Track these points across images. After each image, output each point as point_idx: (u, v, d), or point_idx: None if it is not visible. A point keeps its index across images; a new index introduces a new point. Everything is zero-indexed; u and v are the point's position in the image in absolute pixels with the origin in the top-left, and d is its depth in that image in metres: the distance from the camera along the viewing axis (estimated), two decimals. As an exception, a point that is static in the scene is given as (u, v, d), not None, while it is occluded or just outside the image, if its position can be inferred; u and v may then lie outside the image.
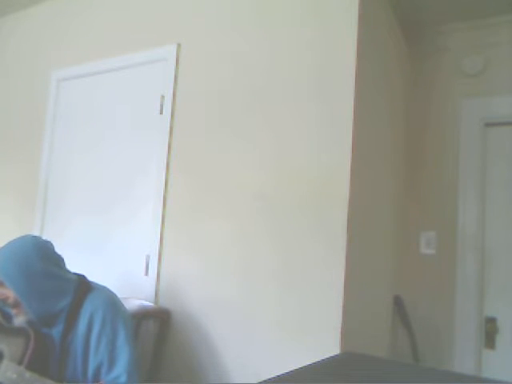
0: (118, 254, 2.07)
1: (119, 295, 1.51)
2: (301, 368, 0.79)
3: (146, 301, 1.86)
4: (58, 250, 1.52)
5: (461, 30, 2.29)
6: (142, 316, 1.78)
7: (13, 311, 1.37)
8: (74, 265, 1.56)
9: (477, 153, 2.20)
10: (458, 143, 2.24)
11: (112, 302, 1.43)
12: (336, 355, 1.02)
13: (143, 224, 2.00)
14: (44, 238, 1.53)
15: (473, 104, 2.24)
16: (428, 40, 2.38)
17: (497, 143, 2.20)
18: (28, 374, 1.19)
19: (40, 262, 1.37)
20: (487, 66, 2.22)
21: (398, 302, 2.21)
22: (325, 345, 1.47)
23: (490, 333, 2.09)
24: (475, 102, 2.23)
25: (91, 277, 1.54)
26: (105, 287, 1.49)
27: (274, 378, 0.73)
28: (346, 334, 1.48)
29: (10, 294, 1.34)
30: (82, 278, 1.47)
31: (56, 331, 1.36)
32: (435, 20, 2.28)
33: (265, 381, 0.70)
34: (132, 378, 1.31)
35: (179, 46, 2.03)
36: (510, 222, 2.12)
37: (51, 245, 1.48)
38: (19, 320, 1.36)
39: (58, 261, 1.45)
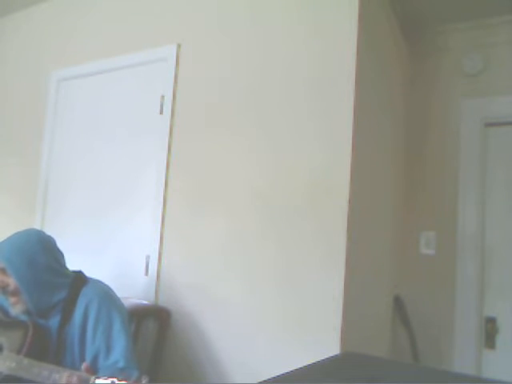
0: (118, 254, 2.07)
1: (119, 295, 1.51)
2: (301, 368, 0.79)
3: (146, 300, 1.86)
4: (58, 250, 1.52)
5: (461, 30, 2.29)
6: (142, 316, 1.79)
7: (10, 300, 1.38)
8: (74, 266, 1.56)
9: (477, 153, 2.20)
10: (458, 143, 2.24)
11: (107, 293, 1.46)
12: (336, 355, 1.02)
13: (143, 224, 2.00)
14: (51, 235, 1.55)
15: (473, 104, 2.24)
16: (428, 40, 2.38)
17: (497, 143, 2.20)
18: (26, 361, 1.22)
19: (43, 254, 1.41)
20: (487, 66, 2.22)
21: (398, 302, 2.21)
22: (325, 345, 1.47)
23: (490, 333, 2.09)
24: (475, 102, 2.23)
25: (91, 276, 1.54)
26: (100, 281, 1.52)
27: (273, 378, 0.73)
28: (345, 334, 1.48)
29: (10, 281, 1.37)
30: (78, 274, 1.50)
31: (52, 323, 1.38)
32: (435, 20, 2.28)
33: (265, 381, 0.70)
34: (129, 363, 1.32)
35: (179, 46, 2.03)
36: (510, 221, 2.12)
37: (54, 240, 1.52)
38: (16, 309, 1.38)
39: (59, 256, 1.50)
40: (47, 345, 1.35)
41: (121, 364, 1.30)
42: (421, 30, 2.34)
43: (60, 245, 1.53)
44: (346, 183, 1.54)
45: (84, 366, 1.17)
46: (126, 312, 1.48)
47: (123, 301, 1.50)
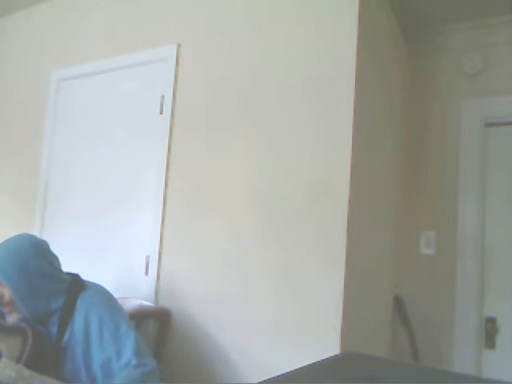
0: (118, 254, 2.07)
1: (119, 295, 1.51)
2: (301, 368, 0.79)
3: (146, 301, 1.86)
4: (58, 251, 1.52)
5: (461, 30, 2.29)
6: (141, 316, 1.79)
7: (5, 309, 1.36)
8: (74, 266, 1.56)
9: (477, 153, 2.20)
10: (458, 143, 2.24)
11: (106, 297, 1.43)
12: (336, 355, 1.02)
13: (143, 224, 2.00)
14: (44, 239, 1.54)
15: (473, 104, 2.24)
16: (428, 40, 2.38)
17: (497, 143, 2.20)
18: (27, 372, 1.19)
19: (37, 261, 1.37)
20: (487, 66, 2.22)
21: (398, 302, 2.21)
22: (325, 345, 1.47)
23: (490, 333, 2.09)
24: (475, 102, 2.23)
25: (91, 277, 1.54)
26: (99, 285, 1.49)
27: (274, 377, 0.73)
28: (346, 333, 1.48)
29: (5, 292, 1.34)
30: (75, 278, 1.47)
31: (52, 330, 1.36)
32: (435, 20, 2.28)
33: (265, 381, 0.70)
34: (142, 358, 1.29)
35: (179, 46, 2.03)
36: (510, 221, 2.12)
37: (47, 244, 1.48)
38: (12, 318, 1.36)
39: (53, 260, 1.46)
40: (47, 352, 1.33)
41: (134, 362, 1.27)
42: (421, 30, 2.34)
43: (60, 245, 1.53)
44: (346, 183, 1.54)
45: None
46: (127, 314, 1.46)
47: (123, 301, 1.50)
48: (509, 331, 2.05)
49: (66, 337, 1.34)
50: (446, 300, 2.15)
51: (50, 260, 1.44)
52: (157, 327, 1.81)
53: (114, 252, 2.08)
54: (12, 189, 2.63)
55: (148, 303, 1.85)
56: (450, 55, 2.32)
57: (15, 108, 2.73)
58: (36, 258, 1.38)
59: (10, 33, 2.87)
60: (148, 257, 1.95)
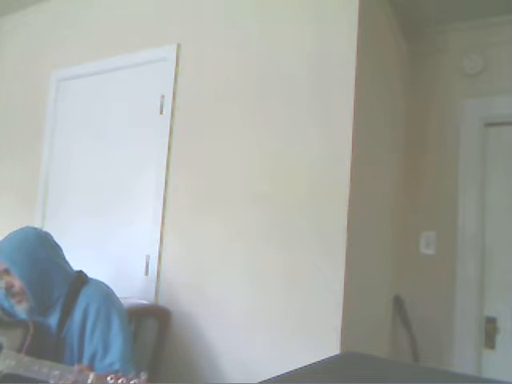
0: (118, 253, 2.07)
1: (119, 295, 1.51)
2: (301, 368, 0.79)
3: (146, 300, 1.86)
4: (58, 250, 1.53)
5: (461, 30, 2.29)
6: (141, 316, 1.79)
7: (14, 299, 1.38)
8: (74, 265, 1.56)
9: (477, 153, 2.20)
10: (458, 143, 2.24)
11: (107, 294, 1.46)
12: (336, 355, 1.02)
13: (143, 224, 2.00)
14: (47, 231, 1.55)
15: (473, 104, 2.24)
16: (428, 40, 2.38)
17: (497, 143, 2.20)
18: (26, 359, 1.22)
19: (44, 250, 1.42)
20: (487, 66, 2.22)
21: (398, 302, 2.21)
22: (325, 345, 1.47)
23: (489, 333, 2.09)
24: (475, 102, 2.23)
25: (91, 276, 1.54)
26: (101, 281, 1.52)
27: (274, 377, 0.73)
28: (346, 334, 1.48)
29: (15, 281, 1.36)
30: (79, 273, 1.51)
31: (52, 320, 1.39)
32: (435, 20, 2.28)
33: (265, 381, 0.70)
34: (125, 365, 1.31)
35: (179, 46, 2.03)
36: (510, 221, 2.12)
37: (50, 235, 1.52)
38: (21, 307, 1.38)
39: (58, 250, 1.50)
40: (47, 343, 1.35)
41: (116, 366, 1.30)
42: (421, 30, 2.34)
43: (60, 245, 1.53)
44: (346, 182, 1.54)
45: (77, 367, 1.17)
46: (126, 314, 1.47)
47: (123, 301, 1.51)
48: (509, 331, 2.05)
49: (65, 328, 1.37)
50: (445, 300, 2.15)
51: (56, 250, 1.48)
52: (156, 326, 1.81)
53: (114, 251, 2.08)
54: (12, 188, 2.63)
55: (147, 303, 1.85)
56: (449, 55, 2.32)
57: (15, 108, 2.73)
58: (43, 247, 1.42)
59: (9, 33, 2.87)
60: (148, 257, 1.95)
